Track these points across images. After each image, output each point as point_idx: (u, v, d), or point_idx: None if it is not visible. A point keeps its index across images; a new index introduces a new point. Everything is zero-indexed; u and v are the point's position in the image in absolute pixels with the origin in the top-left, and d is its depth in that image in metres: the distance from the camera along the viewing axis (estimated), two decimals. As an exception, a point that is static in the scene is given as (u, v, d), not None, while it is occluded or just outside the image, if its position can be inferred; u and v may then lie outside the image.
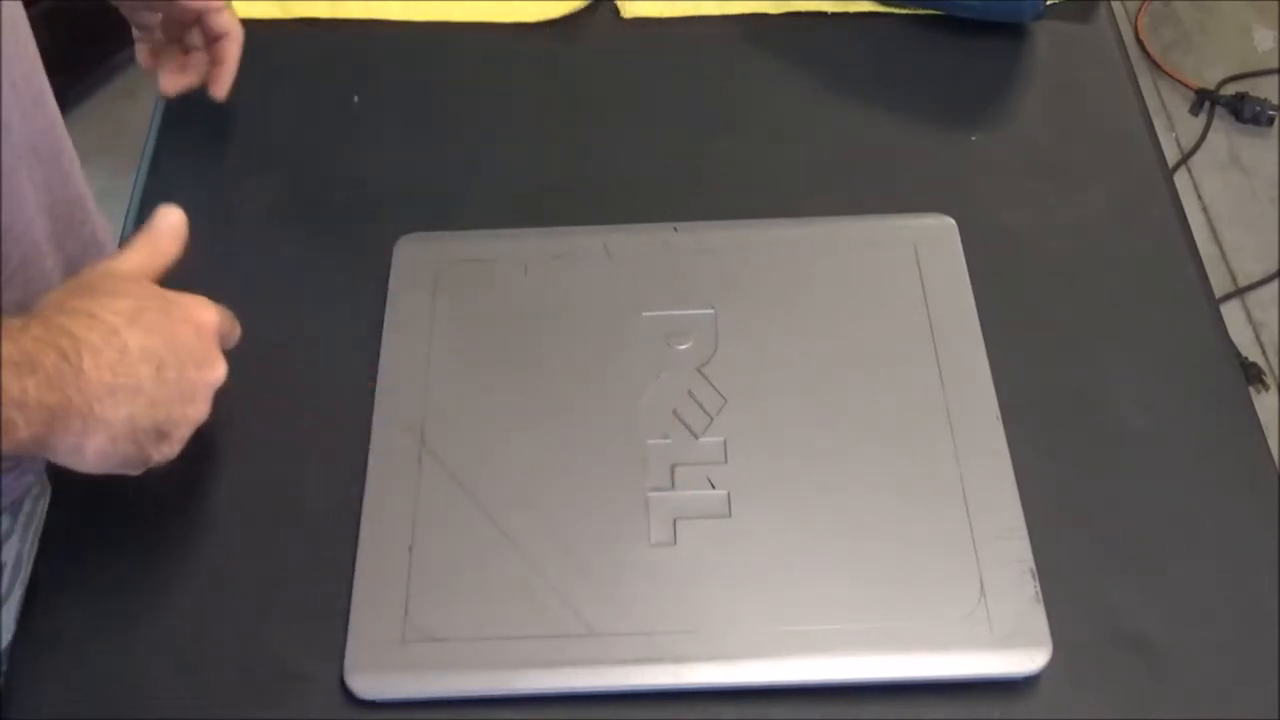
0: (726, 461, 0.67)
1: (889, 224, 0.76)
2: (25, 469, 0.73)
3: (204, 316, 0.63)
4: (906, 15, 0.89)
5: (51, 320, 0.57)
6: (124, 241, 0.79)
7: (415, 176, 0.82)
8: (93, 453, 0.58)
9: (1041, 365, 0.72)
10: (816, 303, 0.73)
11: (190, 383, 0.61)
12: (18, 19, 0.66)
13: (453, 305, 0.73)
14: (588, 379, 0.70)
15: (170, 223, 0.66)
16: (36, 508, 0.76)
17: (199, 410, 0.62)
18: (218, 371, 0.63)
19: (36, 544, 0.70)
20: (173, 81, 0.82)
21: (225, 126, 0.85)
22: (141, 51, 0.83)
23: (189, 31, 0.82)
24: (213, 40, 0.80)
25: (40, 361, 0.55)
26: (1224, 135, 1.93)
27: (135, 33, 0.83)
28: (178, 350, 0.60)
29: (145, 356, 0.59)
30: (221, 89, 0.81)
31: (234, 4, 0.90)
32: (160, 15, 0.80)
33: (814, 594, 0.62)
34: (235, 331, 0.66)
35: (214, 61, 0.81)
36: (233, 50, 0.81)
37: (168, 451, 0.62)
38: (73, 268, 0.72)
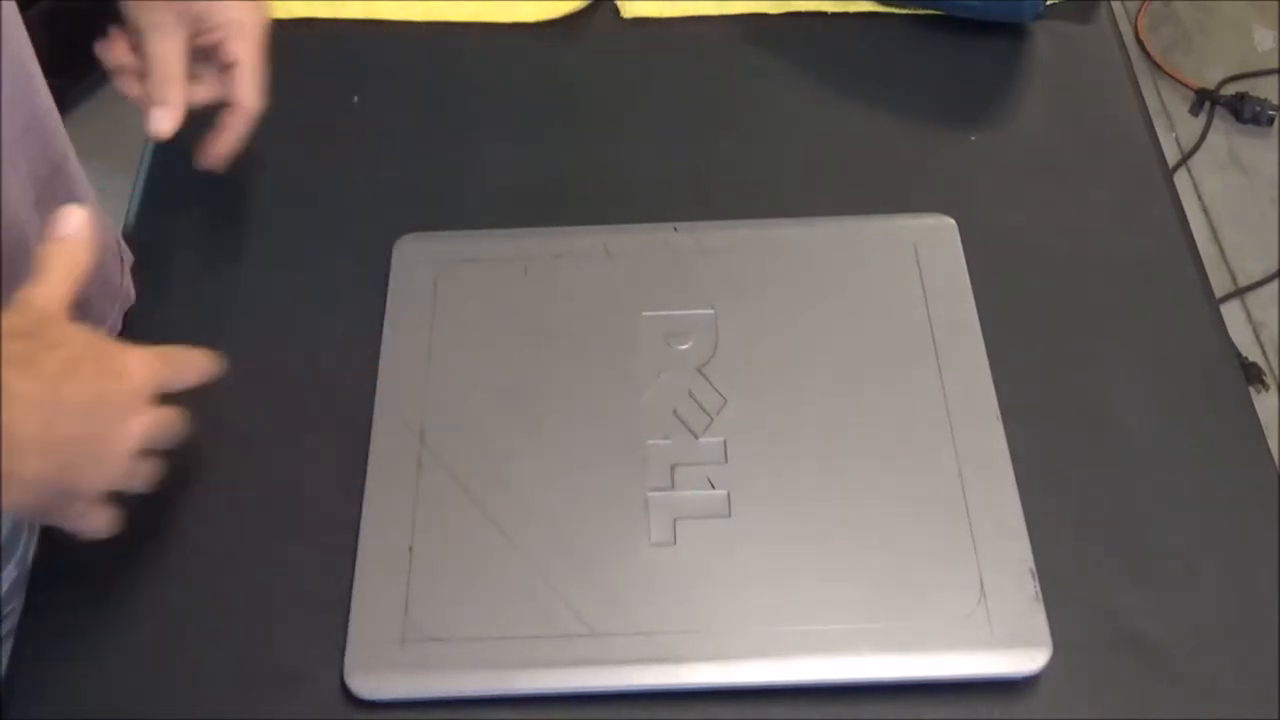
0: (726, 461, 0.67)
1: (889, 224, 0.76)
2: None
3: (137, 372, 0.58)
4: (906, 15, 0.89)
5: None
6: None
7: (415, 176, 0.82)
8: (12, 505, 0.54)
9: (1041, 365, 0.72)
10: (816, 303, 0.73)
11: (109, 442, 0.56)
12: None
13: (453, 305, 0.73)
14: (588, 379, 0.70)
15: (75, 227, 0.59)
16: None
17: (113, 471, 0.57)
18: (136, 429, 0.57)
19: (36, 537, 0.70)
20: (165, 117, 0.68)
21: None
22: (125, 80, 0.70)
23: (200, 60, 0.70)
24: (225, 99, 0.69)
25: None
26: (1224, 135, 1.93)
27: (116, 60, 0.70)
28: (105, 406, 0.56)
29: (72, 413, 0.54)
30: (213, 159, 0.71)
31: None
32: (178, 30, 0.68)
33: (814, 594, 0.62)
34: (183, 376, 0.61)
35: (221, 127, 0.70)
36: (239, 121, 0.70)
37: (78, 510, 0.58)
38: None
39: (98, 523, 0.59)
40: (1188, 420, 0.70)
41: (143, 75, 0.69)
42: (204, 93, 0.71)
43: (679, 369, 0.70)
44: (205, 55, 0.70)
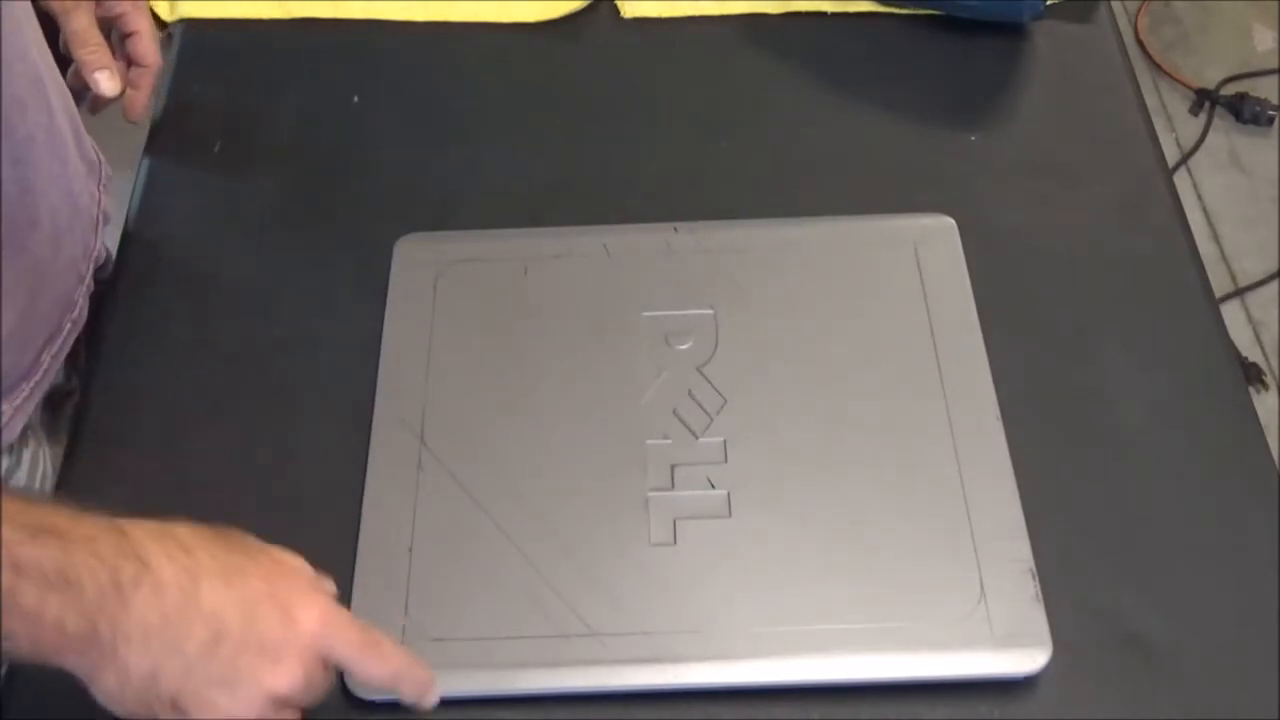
0: (726, 461, 0.67)
1: (889, 224, 0.76)
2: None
3: (306, 614, 0.52)
4: (906, 15, 0.89)
5: (130, 533, 0.51)
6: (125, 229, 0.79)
7: (415, 176, 0.82)
8: (98, 691, 0.50)
9: (1041, 365, 0.72)
10: (816, 303, 0.73)
11: (242, 672, 0.51)
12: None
13: (453, 305, 0.73)
14: (588, 379, 0.70)
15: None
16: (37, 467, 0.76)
17: (238, 707, 0.51)
18: (281, 681, 0.51)
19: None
20: (107, 78, 0.77)
21: (225, 126, 0.85)
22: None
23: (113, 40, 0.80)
24: (128, 58, 0.79)
25: (81, 581, 0.48)
26: (1224, 135, 1.93)
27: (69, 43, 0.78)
28: (250, 629, 0.51)
29: (209, 620, 0.50)
30: (136, 113, 0.80)
31: (234, 4, 0.90)
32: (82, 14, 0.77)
33: (814, 594, 0.62)
34: (342, 650, 0.54)
35: (130, 84, 0.79)
36: (147, 79, 0.80)
37: None
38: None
39: None
40: (1188, 420, 0.70)
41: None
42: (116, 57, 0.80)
43: (679, 369, 0.70)
44: (104, 27, 0.79)
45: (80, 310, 0.74)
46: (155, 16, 0.90)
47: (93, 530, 0.50)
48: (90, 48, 0.77)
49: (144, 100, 0.80)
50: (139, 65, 0.80)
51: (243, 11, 0.90)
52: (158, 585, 0.50)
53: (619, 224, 0.77)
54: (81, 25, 0.77)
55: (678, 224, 0.76)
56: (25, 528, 0.49)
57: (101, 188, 0.77)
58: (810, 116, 0.85)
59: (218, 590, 0.51)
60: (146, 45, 0.80)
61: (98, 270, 0.77)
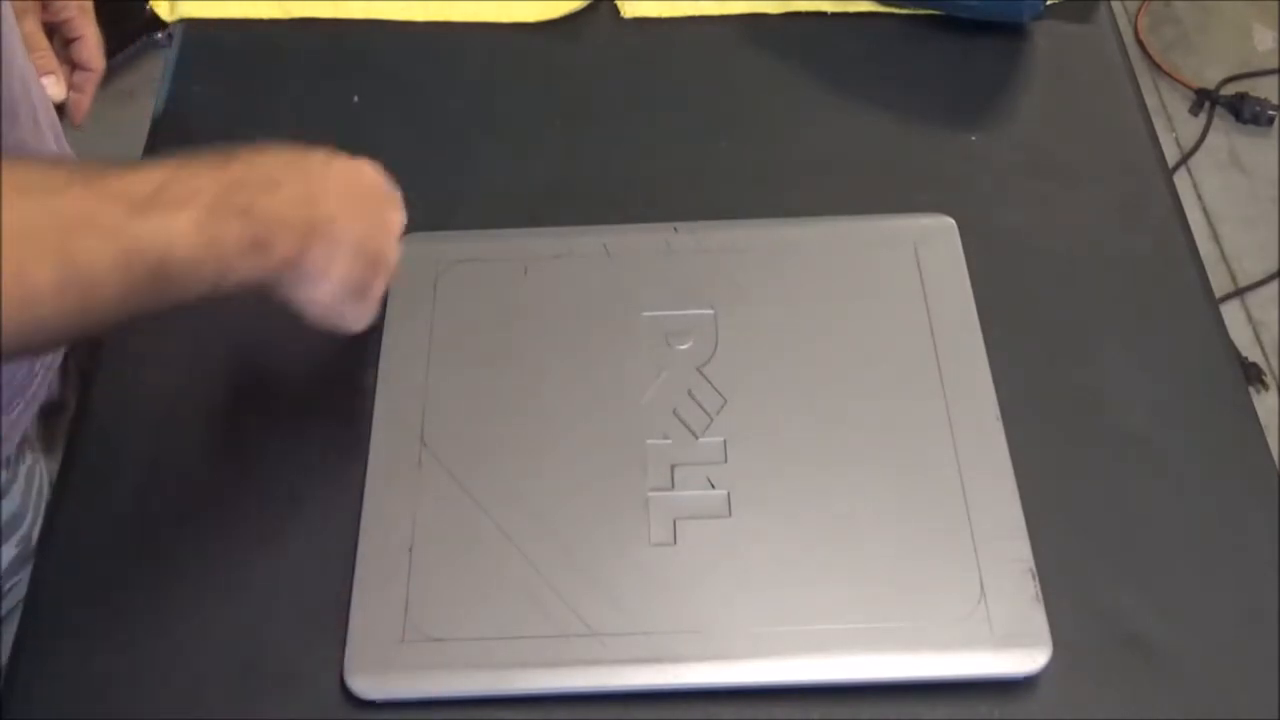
0: (726, 461, 0.67)
1: (889, 224, 0.76)
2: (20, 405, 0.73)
3: (377, 175, 0.66)
4: (906, 15, 0.89)
5: (277, 153, 0.59)
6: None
7: (415, 176, 0.82)
8: (337, 275, 0.60)
9: (1041, 365, 0.72)
10: (816, 303, 0.73)
11: (386, 218, 0.65)
12: None
13: (453, 305, 0.73)
14: (588, 379, 0.70)
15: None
16: (34, 482, 0.76)
17: (394, 250, 0.65)
18: (403, 215, 0.66)
19: (42, 518, 0.70)
20: (55, 82, 0.79)
21: (225, 127, 0.85)
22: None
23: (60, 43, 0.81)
24: (73, 63, 0.80)
25: (285, 179, 0.57)
26: (1224, 135, 1.93)
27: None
28: (371, 187, 0.65)
29: (350, 188, 0.62)
30: (79, 115, 0.81)
31: (234, 4, 0.90)
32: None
33: (814, 594, 0.62)
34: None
35: (74, 88, 0.81)
36: (90, 84, 0.81)
37: (376, 291, 0.65)
38: None
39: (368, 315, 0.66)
40: (1188, 420, 0.70)
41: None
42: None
43: (679, 369, 0.70)
44: (49, 31, 0.81)
45: None
46: (155, 16, 0.90)
47: (245, 155, 0.57)
48: (38, 52, 0.78)
49: (87, 104, 0.82)
50: (83, 70, 0.81)
51: (243, 11, 0.90)
52: (322, 174, 0.60)
53: (619, 224, 0.77)
54: (28, 29, 0.78)
55: (678, 224, 0.76)
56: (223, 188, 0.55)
57: None
58: (810, 116, 0.85)
59: (339, 170, 0.63)
60: (91, 50, 0.81)
61: None
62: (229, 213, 0.54)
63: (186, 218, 0.52)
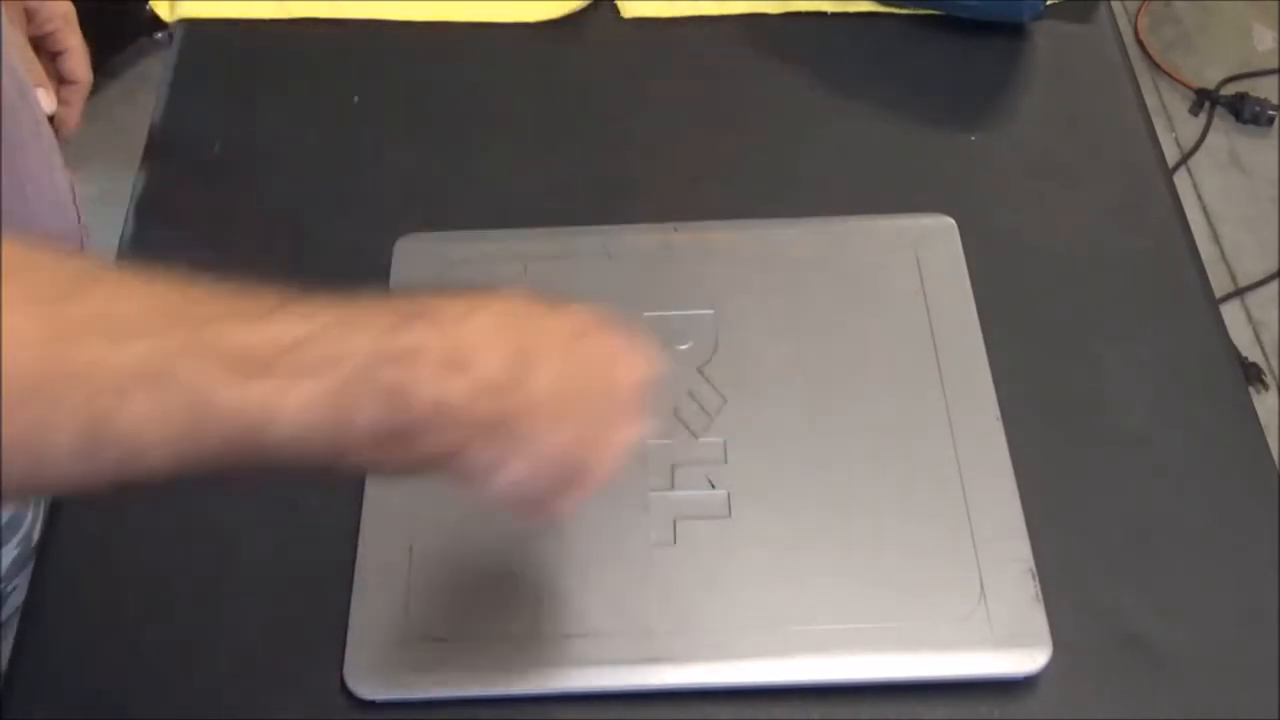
0: (726, 461, 0.67)
1: (889, 224, 0.76)
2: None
3: (633, 368, 0.49)
4: (906, 15, 0.89)
5: (485, 305, 0.47)
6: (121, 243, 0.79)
7: (415, 176, 0.82)
8: (508, 481, 0.46)
9: (1041, 365, 0.72)
10: (816, 303, 0.73)
11: (610, 430, 0.48)
12: None
13: (453, 305, 0.73)
14: (588, 379, 0.70)
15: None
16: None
17: (605, 467, 0.48)
18: (638, 429, 0.48)
19: (42, 518, 0.70)
20: (44, 95, 0.77)
21: (224, 127, 0.85)
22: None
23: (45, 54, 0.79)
24: (59, 76, 0.79)
25: (477, 352, 0.44)
26: (1224, 135, 1.93)
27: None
28: (607, 385, 0.49)
29: (576, 378, 0.47)
30: (68, 128, 0.79)
31: (234, 4, 0.90)
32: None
33: (814, 594, 0.62)
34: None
35: (62, 101, 0.79)
36: (77, 96, 0.80)
37: (575, 501, 0.48)
38: None
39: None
40: (1188, 420, 0.70)
41: None
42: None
43: (679, 369, 0.70)
44: (34, 44, 0.79)
45: None
46: (155, 16, 0.90)
47: (448, 310, 0.46)
48: (25, 65, 0.76)
49: (76, 117, 0.81)
50: (69, 83, 0.80)
51: (243, 11, 0.90)
52: (546, 352, 0.46)
53: (619, 224, 0.77)
54: (16, 43, 0.76)
55: (678, 224, 0.76)
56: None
57: (78, 204, 0.77)
58: (810, 116, 0.85)
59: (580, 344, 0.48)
60: (77, 62, 0.80)
61: None
62: (371, 391, 0.41)
63: (308, 390, 0.40)
